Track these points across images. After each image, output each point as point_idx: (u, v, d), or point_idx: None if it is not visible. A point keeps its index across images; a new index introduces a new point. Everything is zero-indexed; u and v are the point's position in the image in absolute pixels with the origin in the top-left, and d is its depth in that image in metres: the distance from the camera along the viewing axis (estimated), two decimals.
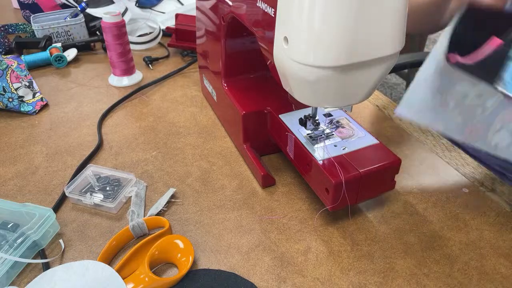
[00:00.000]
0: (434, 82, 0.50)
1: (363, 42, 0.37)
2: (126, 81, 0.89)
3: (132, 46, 0.96)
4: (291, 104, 0.60)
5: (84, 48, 1.05)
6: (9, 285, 0.46)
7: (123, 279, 0.45)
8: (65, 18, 1.05)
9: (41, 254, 0.49)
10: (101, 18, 1.01)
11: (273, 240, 0.52)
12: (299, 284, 0.46)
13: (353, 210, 0.55)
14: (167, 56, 1.02)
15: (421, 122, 0.57)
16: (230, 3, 0.55)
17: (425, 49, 1.75)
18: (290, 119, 0.58)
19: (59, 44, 0.98)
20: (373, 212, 0.56)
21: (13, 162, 0.66)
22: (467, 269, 0.48)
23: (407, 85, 1.95)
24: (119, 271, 0.45)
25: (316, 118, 0.54)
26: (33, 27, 1.02)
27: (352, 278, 0.47)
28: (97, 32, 1.07)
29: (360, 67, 0.39)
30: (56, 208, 0.56)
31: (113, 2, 1.15)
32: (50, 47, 0.96)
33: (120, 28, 0.83)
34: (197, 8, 0.73)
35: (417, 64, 0.76)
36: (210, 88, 0.77)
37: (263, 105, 0.61)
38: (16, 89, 0.78)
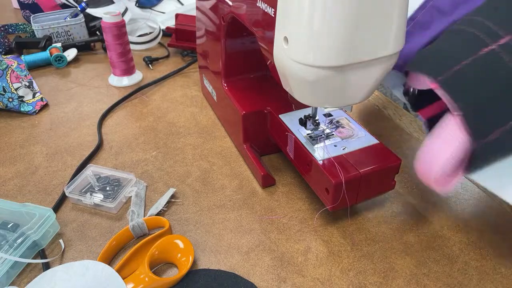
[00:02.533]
0: None
1: (362, 42, 0.37)
2: (126, 81, 0.89)
3: (132, 46, 0.96)
4: (291, 104, 0.60)
5: (84, 48, 1.05)
6: (9, 285, 0.46)
7: (123, 279, 0.45)
8: (65, 18, 1.05)
9: (41, 254, 0.49)
10: (101, 18, 1.01)
11: (273, 240, 0.52)
12: (299, 284, 0.46)
13: (353, 210, 0.55)
14: (167, 56, 1.02)
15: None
16: (230, 3, 0.55)
17: None
18: (290, 119, 0.58)
19: (59, 44, 0.98)
20: (373, 212, 0.56)
21: (13, 162, 0.66)
22: (467, 269, 0.48)
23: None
24: (119, 271, 0.45)
25: (316, 118, 0.54)
26: (33, 27, 1.02)
27: (352, 278, 0.47)
28: (97, 32, 1.08)
29: (360, 67, 0.39)
30: (56, 208, 0.56)
31: (113, 2, 1.15)
32: (50, 47, 0.96)
33: (120, 28, 0.83)
34: (197, 8, 0.73)
35: None
36: (210, 88, 0.76)
37: (263, 105, 0.61)
38: (16, 89, 0.78)
